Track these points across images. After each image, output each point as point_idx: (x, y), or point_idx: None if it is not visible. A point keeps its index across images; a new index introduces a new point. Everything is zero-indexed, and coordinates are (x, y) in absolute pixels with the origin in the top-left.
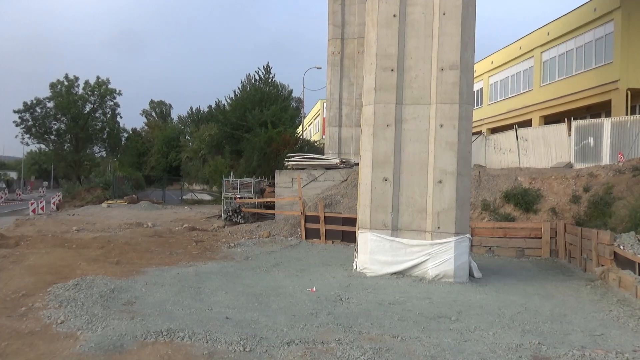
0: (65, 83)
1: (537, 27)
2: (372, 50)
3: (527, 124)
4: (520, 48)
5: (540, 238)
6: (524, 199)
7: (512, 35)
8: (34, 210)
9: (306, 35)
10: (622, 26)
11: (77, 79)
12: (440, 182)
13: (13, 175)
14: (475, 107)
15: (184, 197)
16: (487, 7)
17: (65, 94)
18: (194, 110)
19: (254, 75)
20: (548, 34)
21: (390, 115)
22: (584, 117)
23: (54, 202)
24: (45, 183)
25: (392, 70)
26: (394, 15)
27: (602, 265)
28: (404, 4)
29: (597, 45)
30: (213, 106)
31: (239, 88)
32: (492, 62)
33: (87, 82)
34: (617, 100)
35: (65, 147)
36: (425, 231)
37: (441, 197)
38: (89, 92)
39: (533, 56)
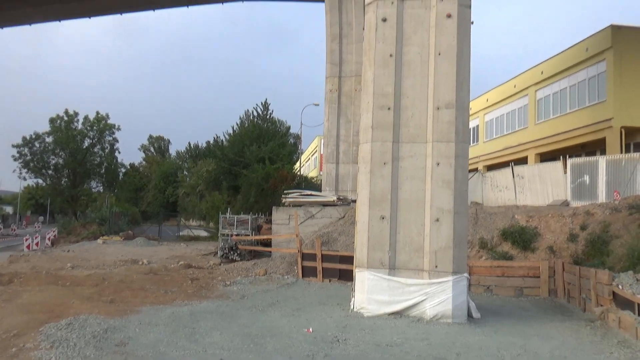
0: (65, 118)
1: (530, 65)
2: (369, 89)
3: (523, 161)
4: (515, 86)
5: (539, 277)
6: (522, 237)
7: (506, 72)
8: (28, 246)
9: (304, 73)
10: (614, 66)
11: (76, 114)
12: (437, 220)
13: (9, 210)
14: (471, 145)
15: (180, 233)
16: (482, 46)
17: (64, 129)
18: (192, 145)
19: (252, 112)
20: (542, 72)
21: (387, 153)
22: (579, 155)
23: (49, 237)
24: (41, 218)
25: (388, 108)
26: (391, 55)
27: (602, 306)
28: (400, 44)
29: (590, 84)
30: (211, 142)
31: (237, 124)
32: (487, 100)
33: (86, 117)
34: (612, 138)
35: (63, 181)
36: (423, 270)
37: (438, 235)
38: (88, 127)
39: (527, 94)
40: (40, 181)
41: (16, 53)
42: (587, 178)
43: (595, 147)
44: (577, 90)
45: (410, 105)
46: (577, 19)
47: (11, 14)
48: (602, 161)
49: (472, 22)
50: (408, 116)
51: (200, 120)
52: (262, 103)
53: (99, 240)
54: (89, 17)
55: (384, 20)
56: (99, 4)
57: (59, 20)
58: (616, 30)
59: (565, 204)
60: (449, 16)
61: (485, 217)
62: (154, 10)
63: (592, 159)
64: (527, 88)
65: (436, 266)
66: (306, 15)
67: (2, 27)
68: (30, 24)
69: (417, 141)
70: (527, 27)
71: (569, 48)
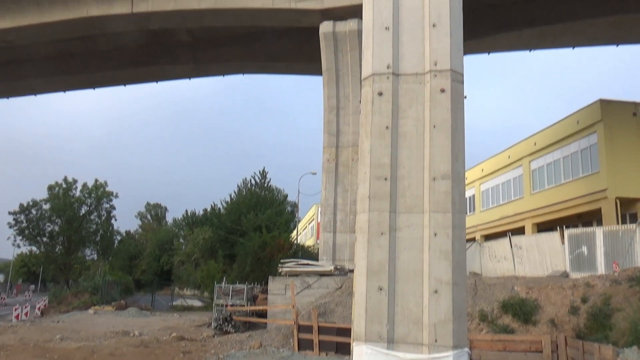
0: (64, 185)
1: (523, 137)
2: (366, 159)
3: (520, 231)
4: (509, 157)
5: (541, 352)
6: (522, 310)
7: (498, 146)
8: (17, 316)
9: (302, 142)
10: (605, 138)
11: (75, 181)
12: (435, 291)
13: (0, 278)
14: (468, 214)
15: (173, 302)
16: (476, 120)
17: (62, 196)
18: (189, 213)
19: (250, 180)
20: (535, 144)
21: (384, 223)
22: (575, 225)
23: (39, 307)
24: (32, 286)
25: (385, 179)
26: (387, 127)
27: None
28: (395, 117)
29: (582, 155)
30: (208, 209)
31: (235, 192)
32: (482, 170)
33: (84, 185)
34: (607, 209)
35: (57, 249)
36: (422, 344)
37: (437, 307)
38: (86, 195)
39: (522, 165)
40: (34, 248)
41: (17, 123)
42: (585, 249)
43: (592, 217)
44: (571, 162)
45: (406, 175)
46: (557, 96)
47: (17, 85)
48: (599, 232)
49: (465, 97)
50: (405, 186)
51: (198, 188)
52: (260, 171)
53: (90, 310)
54: (93, 89)
55: (380, 94)
56: (104, 77)
57: (64, 92)
58: (605, 104)
59: (565, 275)
60: (442, 91)
61: (485, 288)
62: (157, 82)
63: (589, 229)
64: (521, 159)
65: (436, 340)
66: (305, 87)
67: (7, 97)
68: (35, 94)
69: (414, 211)
70: (516, 104)
71: (560, 121)
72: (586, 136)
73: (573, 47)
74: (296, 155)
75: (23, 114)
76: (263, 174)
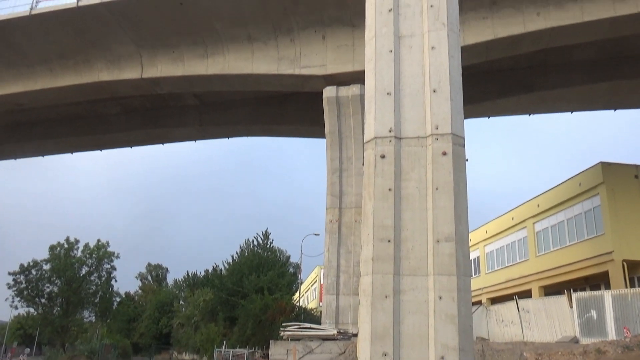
0: (65, 246)
1: (525, 198)
2: (369, 221)
3: (527, 293)
4: (513, 219)
5: None
6: None
7: (500, 208)
8: None
9: (303, 202)
10: (608, 200)
11: (77, 241)
12: (442, 358)
13: None
14: (473, 276)
15: None
16: (478, 178)
17: (63, 256)
18: (190, 274)
19: (253, 241)
20: (538, 205)
21: (388, 286)
22: (583, 288)
23: None
24: (27, 350)
25: (388, 241)
26: (389, 190)
27: None
28: (398, 180)
29: (587, 217)
30: (210, 271)
31: (237, 253)
32: (486, 232)
33: (86, 245)
34: (614, 272)
35: (55, 310)
36: None
37: None
38: (87, 255)
39: (526, 227)
40: (31, 310)
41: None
42: (594, 313)
43: (599, 280)
44: (575, 224)
45: (410, 237)
46: (558, 157)
47: (27, 146)
48: (607, 296)
49: (467, 159)
50: (408, 248)
51: (200, 249)
52: (262, 232)
53: None
54: (100, 150)
55: (383, 157)
56: (112, 138)
57: (72, 153)
58: (606, 167)
59: (575, 340)
60: (444, 154)
61: (493, 354)
62: (163, 144)
63: (597, 293)
64: (525, 220)
65: None
66: (309, 149)
67: (15, 158)
68: (44, 155)
69: (418, 274)
70: (517, 165)
71: (562, 183)
72: (589, 198)
73: (571, 112)
74: (300, 216)
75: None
76: (266, 235)
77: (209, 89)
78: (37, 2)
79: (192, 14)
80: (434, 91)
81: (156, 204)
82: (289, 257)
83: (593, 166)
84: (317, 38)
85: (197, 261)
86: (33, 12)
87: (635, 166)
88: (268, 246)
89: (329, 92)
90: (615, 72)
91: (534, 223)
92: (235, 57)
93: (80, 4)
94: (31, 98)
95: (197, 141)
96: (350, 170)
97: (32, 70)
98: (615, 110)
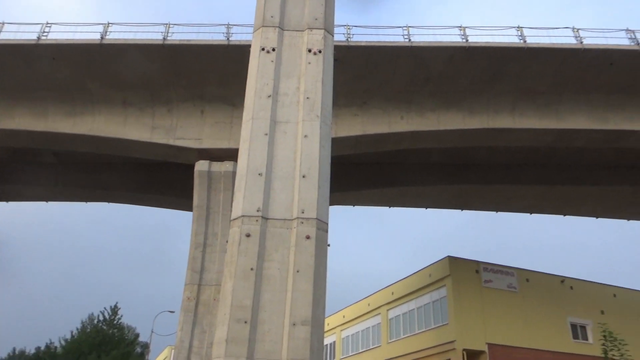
0: None
1: (383, 285)
2: (227, 300)
3: None
4: (369, 305)
5: None
6: None
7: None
8: None
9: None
10: (453, 291)
11: None
12: None
13: None
14: None
15: None
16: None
17: None
18: (17, 352)
19: (98, 315)
20: (392, 293)
21: None
22: None
23: None
24: None
25: (245, 322)
26: (252, 269)
27: None
28: (261, 259)
29: (434, 307)
30: (42, 348)
31: (77, 328)
32: (344, 317)
33: None
34: None
35: None
36: None
37: None
38: None
39: (380, 313)
40: None
41: None
42: None
43: None
44: (424, 312)
45: (267, 319)
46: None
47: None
48: None
49: (329, 245)
50: (265, 331)
51: (35, 321)
52: (111, 307)
53: None
54: None
55: (248, 235)
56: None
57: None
58: (452, 261)
59: None
60: (307, 238)
61: None
62: (7, 202)
63: None
64: (379, 307)
65: None
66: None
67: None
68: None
69: (272, 358)
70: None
71: (415, 272)
72: (437, 289)
73: (426, 208)
74: (157, 292)
75: None
76: (114, 310)
77: (73, 149)
78: None
79: (64, 70)
80: (304, 177)
81: None
82: (137, 335)
83: (442, 259)
84: (195, 112)
85: (28, 336)
86: None
87: (476, 262)
88: (116, 322)
89: (201, 165)
90: (463, 177)
91: (387, 310)
92: (106, 119)
93: None
94: None
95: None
96: (215, 246)
97: None
98: (462, 210)
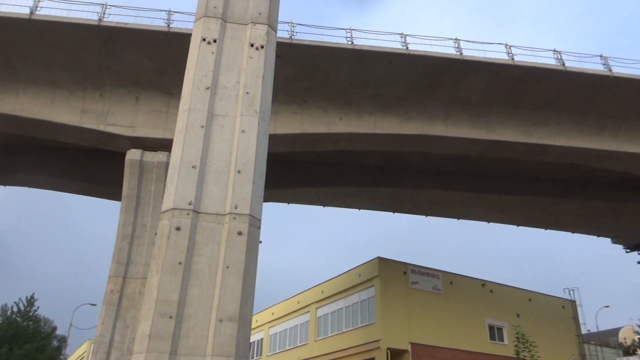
0: None
1: (314, 282)
2: (152, 294)
3: None
4: (299, 302)
5: None
6: None
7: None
8: None
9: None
10: (381, 292)
11: None
12: None
13: None
14: (255, 358)
15: None
16: (270, 259)
17: None
18: None
19: (12, 307)
20: (322, 292)
21: None
22: None
23: None
24: None
25: (170, 317)
26: (180, 263)
27: None
28: (190, 254)
29: (362, 306)
30: None
31: None
32: (273, 314)
33: None
34: (380, 359)
35: None
36: None
37: None
38: None
39: (309, 311)
40: None
41: None
42: None
43: None
44: (352, 312)
45: (193, 315)
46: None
47: None
48: None
49: (261, 242)
50: (190, 326)
51: None
52: (27, 297)
53: None
54: None
55: (178, 229)
56: None
57: None
58: (382, 262)
59: None
60: (239, 234)
61: None
62: None
63: None
64: (309, 305)
65: None
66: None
67: None
68: None
69: (196, 354)
70: (311, 247)
71: (346, 272)
72: (366, 289)
73: (359, 209)
74: (80, 283)
75: None
76: (30, 302)
77: None
78: None
79: None
80: (239, 172)
81: None
82: (55, 328)
83: (371, 260)
84: (130, 98)
85: None
86: None
87: (405, 264)
88: (31, 314)
89: (133, 154)
90: (396, 180)
91: (316, 308)
92: (31, 99)
93: None
94: None
95: None
96: (143, 238)
97: None
98: (394, 212)
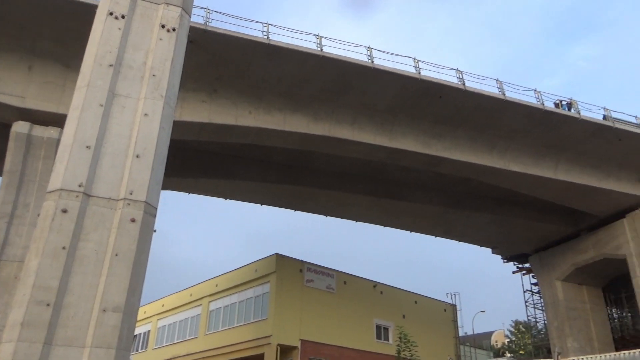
0: None
1: (208, 277)
2: (29, 279)
3: None
4: (191, 295)
5: None
6: None
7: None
8: None
9: None
10: (276, 288)
11: None
12: None
13: None
14: (140, 351)
15: None
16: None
17: None
18: None
19: None
20: (216, 285)
21: (34, 358)
22: None
23: None
24: None
25: (47, 305)
26: (63, 248)
27: None
28: (76, 238)
29: (256, 301)
30: None
31: None
32: (163, 305)
33: None
34: (269, 354)
35: None
36: None
37: None
38: None
39: (202, 304)
40: None
41: None
42: None
43: None
44: (245, 307)
45: (74, 303)
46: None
47: None
48: None
49: (155, 231)
50: (69, 315)
51: None
52: None
53: None
54: None
55: (64, 211)
56: None
57: None
58: (280, 258)
59: None
60: (133, 221)
61: None
62: None
63: None
64: (201, 298)
65: None
66: None
67: None
68: None
69: (74, 345)
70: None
71: (242, 266)
72: (261, 285)
73: (261, 204)
74: None
75: None
76: None
77: None
78: None
79: None
80: (137, 156)
81: None
82: None
83: (269, 256)
84: (22, 66)
85: None
86: None
87: (302, 261)
88: None
89: (20, 127)
90: (299, 179)
91: (209, 302)
92: None
93: None
94: None
95: None
96: (25, 218)
97: None
98: (295, 210)
